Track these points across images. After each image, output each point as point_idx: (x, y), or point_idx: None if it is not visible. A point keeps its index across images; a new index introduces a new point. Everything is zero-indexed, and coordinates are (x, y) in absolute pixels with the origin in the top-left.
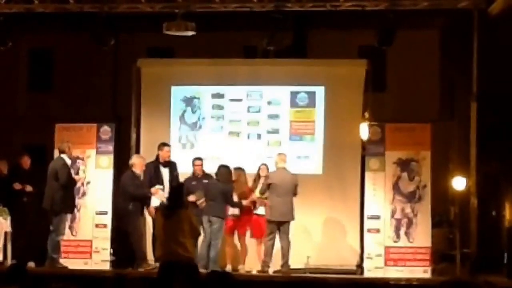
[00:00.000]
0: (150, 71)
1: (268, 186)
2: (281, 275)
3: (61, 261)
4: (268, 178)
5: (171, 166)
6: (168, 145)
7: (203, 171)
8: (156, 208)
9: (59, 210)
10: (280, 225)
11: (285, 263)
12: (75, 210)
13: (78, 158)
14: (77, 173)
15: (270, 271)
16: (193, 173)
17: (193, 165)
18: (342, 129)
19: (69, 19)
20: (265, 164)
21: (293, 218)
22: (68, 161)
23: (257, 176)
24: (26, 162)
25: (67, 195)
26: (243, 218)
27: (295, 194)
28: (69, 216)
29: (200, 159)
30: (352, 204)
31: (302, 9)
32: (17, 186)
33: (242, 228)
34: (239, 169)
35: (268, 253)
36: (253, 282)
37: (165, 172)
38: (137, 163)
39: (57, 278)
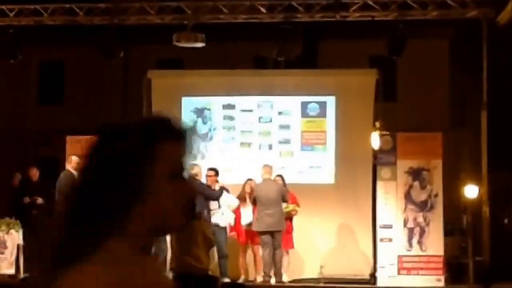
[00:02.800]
0: (160, 82)
1: (254, 200)
2: (296, 285)
3: None
4: (252, 192)
5: None
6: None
7: (217, 181)
8: None
9: None
10: (272, 236)
11: (277, 273)
12: None
13: None
14: None
15: (272, 281)
16: (206, 184)
17: (206, 175)
18: (354, 138)
19: (79, 31)
20: (251, 179)
21: (282, 228)
22: (74, 173)
23: (243, 191)
24: (35, 174)
25: None
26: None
27: (285, 201)
28: None
29: (213, 169)
30: (364, 213)
31: (311, 19)
32: (26, 200)
33: (255, 238)
34: (250, 181)
35: (267, 264)
36: None
37: None
38: (200, 172)
39: None
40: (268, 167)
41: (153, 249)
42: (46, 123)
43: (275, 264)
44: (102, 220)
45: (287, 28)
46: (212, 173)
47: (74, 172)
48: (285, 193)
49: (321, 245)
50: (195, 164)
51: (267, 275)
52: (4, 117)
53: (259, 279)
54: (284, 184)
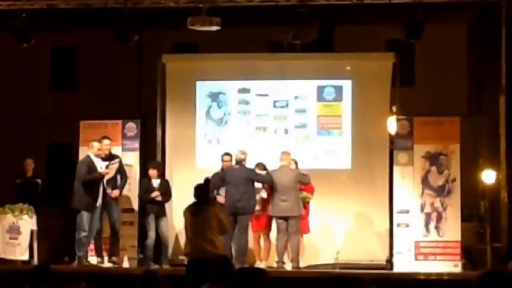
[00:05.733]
0: (175, 66)
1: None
2: (311, 270)
3: (90, 259)
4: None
5: (112, 160)
6: (108, 139)
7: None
8: None
9: (78, 207)
10: (286, 221)
11: (294, 259)
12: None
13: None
14: (106, 167)
15: (288, 267)
16: (222, 169)
17: (222, 160)
18: (370, 123)
19: (92, 16)
20: (259, 164)
21: (297, 213)
22: (94, 158)
23: None
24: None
25: (86, 192)
26: (266, 214)
27: (306, 183)
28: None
29: (228, 154)
30: (381, 198)
31: (327, 2)
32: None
33: (264, 224)
34: (260, 165)
35: (280, 250)
36: (284, 278)
37: (103, 166)
38: (246, 158)
39: (84, 277)
40: (286, 154)
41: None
42: (59, 109)
43: (291, 250)
44: None
45: (303, 11)
46: (228, 158)
47: (94, 158)
48: (301, 178)
49: (337, 231)
50: (243, 151)
51: (280, 261)
52: (16, 104)
53: (268, 264)
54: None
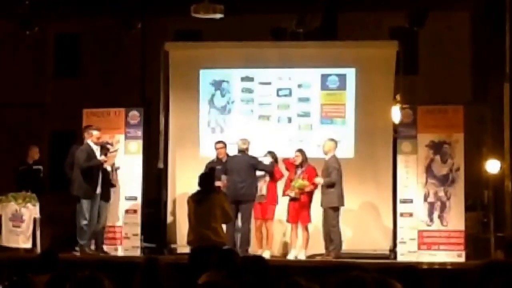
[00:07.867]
0: (178, 54)
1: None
2: (315, 260)
3: (93, 247)
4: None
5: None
6: (98, 130)
7: (227, 154)
8: None
9: (78, 194)
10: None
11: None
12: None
13: (107, 143)
14: (105, 155)
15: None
16: (217, 157)
17: (215, 148)
18: (374, 112)
19: (96, 2)
20: (271, 153)
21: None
22: (93, 146)
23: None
24: None
25: (85, 180)
26: (270, 202)
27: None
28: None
29: (221, 142)
30: (384, 188)
31: None
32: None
33: (269, 212)
34: (271, 153)
35: (329, 239)
36: (287, 267)
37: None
38: (248, 147)
39: (87, 265)
40: (334, 142)
41: None
42: (62, 97)
43: (332, 240)
44: None
45: None
46: (220, 145)
47: (94, 146)
48: None
49: (340, 220)
50: (245, 139)
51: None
52: (20, 91)
53: (269, 253)
54: (306, 159)
